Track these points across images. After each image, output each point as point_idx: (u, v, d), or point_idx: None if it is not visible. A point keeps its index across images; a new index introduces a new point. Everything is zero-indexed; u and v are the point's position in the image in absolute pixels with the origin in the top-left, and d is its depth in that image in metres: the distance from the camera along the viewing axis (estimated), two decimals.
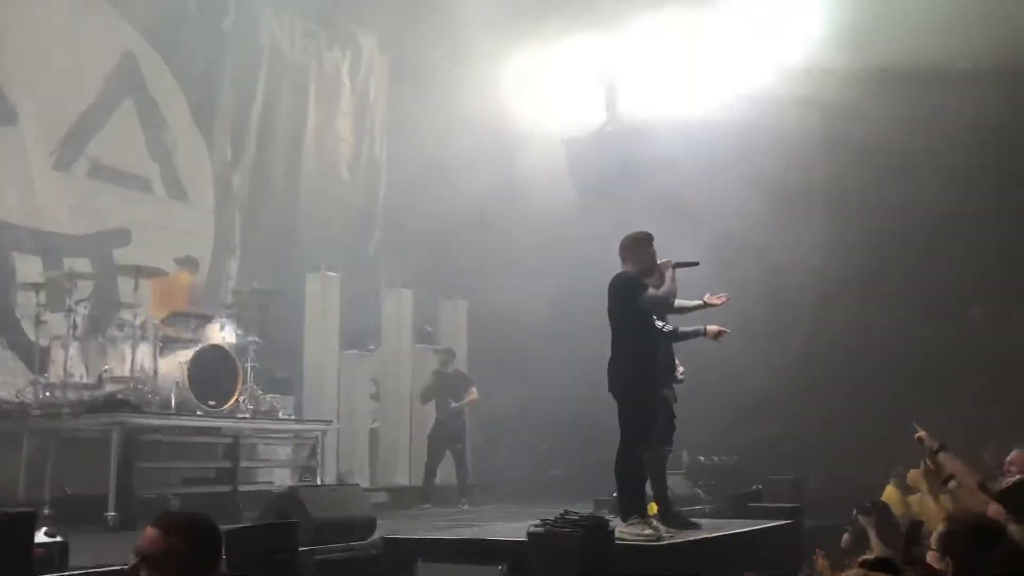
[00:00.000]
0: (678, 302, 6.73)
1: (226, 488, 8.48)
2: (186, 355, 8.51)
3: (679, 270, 6.45)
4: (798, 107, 11.50)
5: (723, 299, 6.82)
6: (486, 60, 13.74)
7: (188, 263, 9.87)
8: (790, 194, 11.45)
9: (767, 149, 11.33)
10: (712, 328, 7.01)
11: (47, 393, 8.18)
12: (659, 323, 7.08)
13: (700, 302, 6.90)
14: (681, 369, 7.29)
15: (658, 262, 6.46)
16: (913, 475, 8.50)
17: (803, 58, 11.53)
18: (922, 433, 5.44)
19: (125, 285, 8.91)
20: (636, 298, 6.17)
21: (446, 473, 11.29)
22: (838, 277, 11.23)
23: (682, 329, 7.09)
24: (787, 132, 11.42)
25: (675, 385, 7.00)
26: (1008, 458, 5.77)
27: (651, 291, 6.20)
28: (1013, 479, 5.06)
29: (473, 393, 11.07)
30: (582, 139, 13.91)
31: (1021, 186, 10.20)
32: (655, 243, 6.50)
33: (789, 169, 11.44)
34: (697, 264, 7.11)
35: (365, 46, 14.21)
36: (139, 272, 8.54)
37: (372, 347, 12.55)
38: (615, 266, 6.51)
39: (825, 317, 11.25)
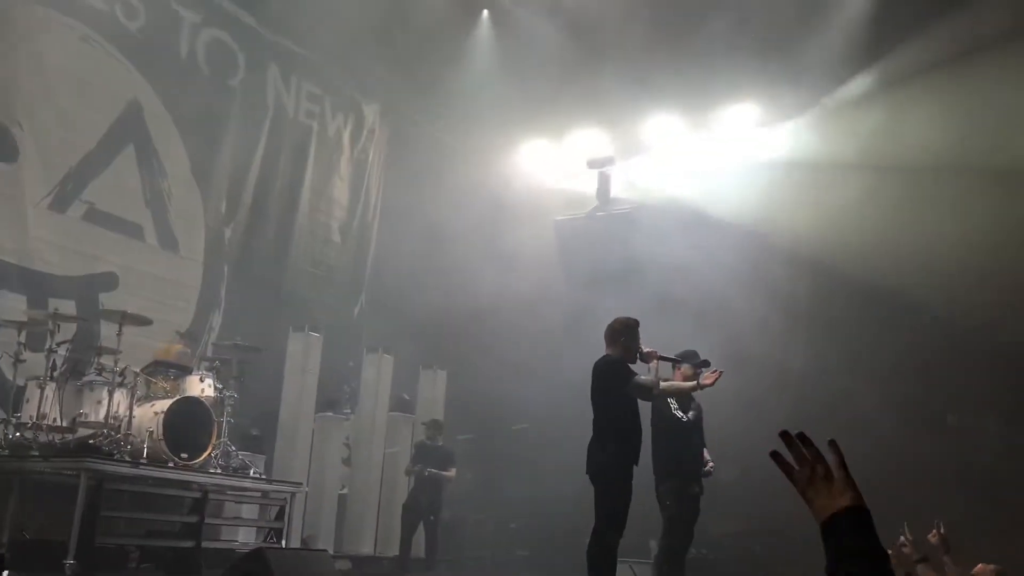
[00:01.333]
0: (673, 385, 6.84)
1: (189, 544, 8.32)
2: (163, 405, 8.44)
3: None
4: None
5: (716, 376, 6.90)
6: (484, 136, 14.03)
7: (190, 337, 9.95)
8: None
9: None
10: (707, 379, 7.01)
11: (18, 433, 8.08)
12: (679, 413, 7.18)
13: (694, 383, 6.97)
14: (711, 464, 7.37)
15: (644, 350, 6.55)
16: None
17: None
18: (906, 541, 5.44)
19: (108, 330, 8.87)
20: (622, 383, 6.23)
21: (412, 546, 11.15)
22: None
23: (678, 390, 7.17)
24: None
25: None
26: (973, 570, 5.78)
27: (638, 377, 6.27)
28: None
29: (452, 471, 11.05)
30: (574, 222, 14.11)
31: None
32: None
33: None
34: (680, 362, 7.24)
35: (368, 115, 14.48)
36: (124, 318, 8.52)
37: (348, 411, 12.48)
38: (598, 349, 6.59)
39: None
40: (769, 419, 10.88)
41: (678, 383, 7.04)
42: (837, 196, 11.14)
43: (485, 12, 13.91)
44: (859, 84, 11.34)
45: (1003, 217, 9.84)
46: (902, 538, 5.02)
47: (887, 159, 10.84)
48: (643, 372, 6.52)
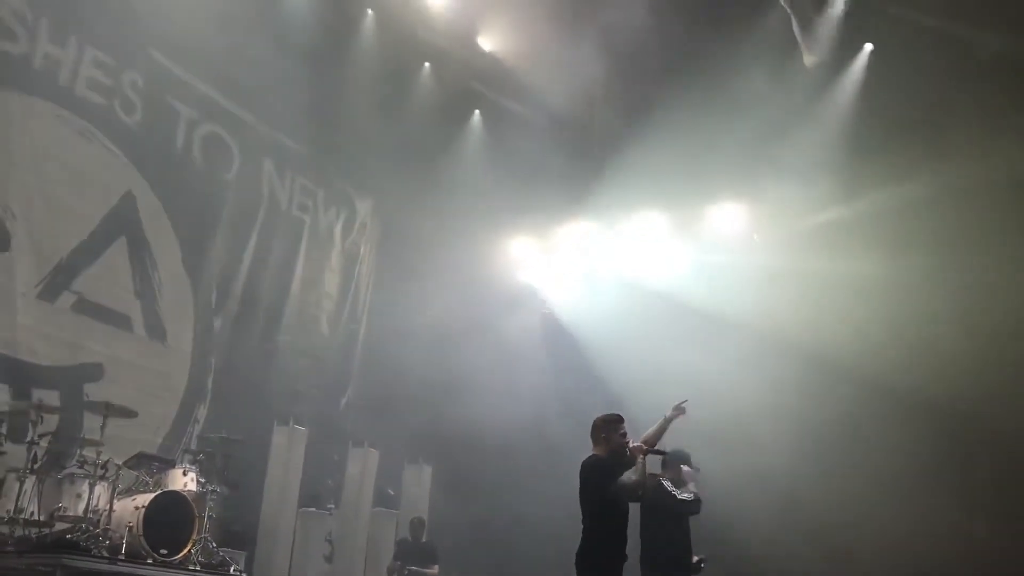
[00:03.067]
0: (646, 434, 6.84)
1: None
2: (144, 499, 8.28)
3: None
4: None
5: (683, 404, 7.03)
6: (474, 232, 14.21)
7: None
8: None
9: None
10: (674, 411, 7.07)
11: None
12: (684, 495, 7.11)
13: (663, 420, 7.01)
14: (696, 558, 7.28)
15: (630, 446, 6.48)
16: None
17: None
18: None
19: (92, 421, 8.77)
20: (605, 485, 6.11)
21: None
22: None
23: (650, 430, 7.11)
24: None
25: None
26: None
27: (623, 478, 6.16)
28: None
29: (435, 569, 10.83)
30: (559, 315, 14.21)
31: None
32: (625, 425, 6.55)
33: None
34: (666, 454, 7.20)
35: (360, 209, 14.66)
36: (108, 409, 8.44)
37: (331, 506, 12.28)
38: (588, 446, 6.54)
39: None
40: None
41: (651, 430, 7.05)
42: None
43: (476, 112, 14.26)
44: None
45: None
46: None
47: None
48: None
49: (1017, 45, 10.14)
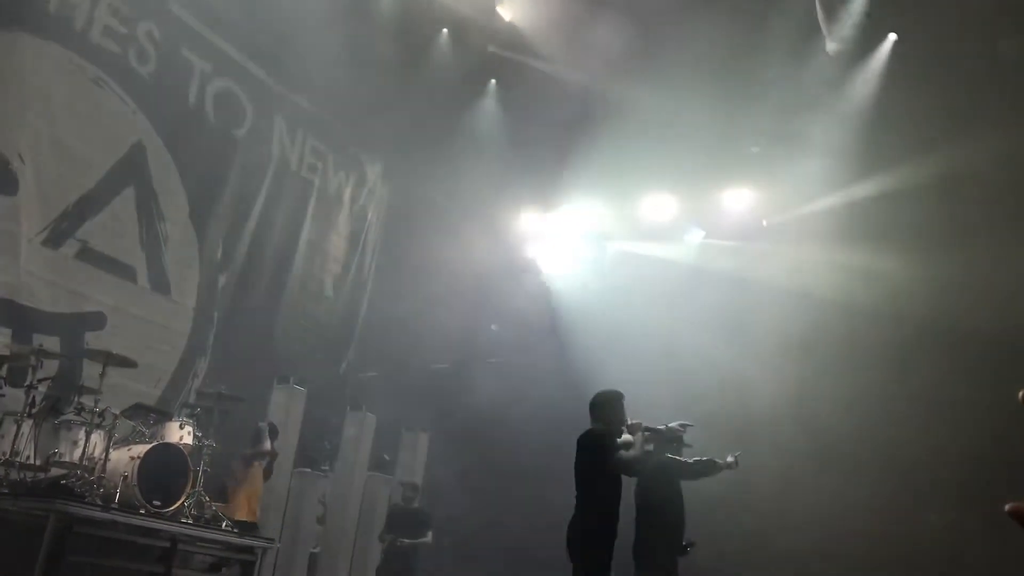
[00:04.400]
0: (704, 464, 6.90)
1: None
2: (140, 450, 8.28)
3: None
4: None
5: (736, 458, 7.25)
6: (484, 202, 14.15)
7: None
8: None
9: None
10: (725, 464, 7.25)
11: None
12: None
13: (729, 461, 7.07)
14: (685, 541, 7.28)
15: (629, 422, 6.45)
16: None
17: None
18: None
19: (92, 370, 8.76)
20: (606, 458, 6.09)
21: None
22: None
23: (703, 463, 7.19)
24: None
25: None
26: None
27: (622, 453, 6.12)
28: None
29: (428, 535, 10.82)
30: (570, 291, 14.15)
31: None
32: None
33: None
34: (667, 428, 7.17)
35: (370, 173, 14.60)
36: (108, 359, 8.42)
37: (326, 468, 12.31)
38: (586, 420, 6.50)
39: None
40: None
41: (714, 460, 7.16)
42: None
43: (492, 81, 14.14)
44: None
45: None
46: None
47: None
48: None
49: None
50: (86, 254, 10.30)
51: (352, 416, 12.49)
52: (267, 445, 10.15)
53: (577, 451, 6.26)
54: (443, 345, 12.99)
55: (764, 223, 12.77)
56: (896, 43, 11.30)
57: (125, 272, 10.79)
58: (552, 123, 13.14)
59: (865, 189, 11.16)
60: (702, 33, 11.44)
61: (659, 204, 13.50)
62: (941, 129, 10.26)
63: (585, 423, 6.45)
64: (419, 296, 13.27)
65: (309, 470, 11.87)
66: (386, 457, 12.92)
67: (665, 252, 13.41)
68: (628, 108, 12.71)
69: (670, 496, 7.28)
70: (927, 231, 10.55)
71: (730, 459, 7.31)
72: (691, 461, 7.34)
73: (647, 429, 6.42)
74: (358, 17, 12.49)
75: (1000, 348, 9.41)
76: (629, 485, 6.73)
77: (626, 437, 6.21)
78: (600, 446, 6.13)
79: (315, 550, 11.83)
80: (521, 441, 11.90)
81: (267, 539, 9.70)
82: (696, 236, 13.36)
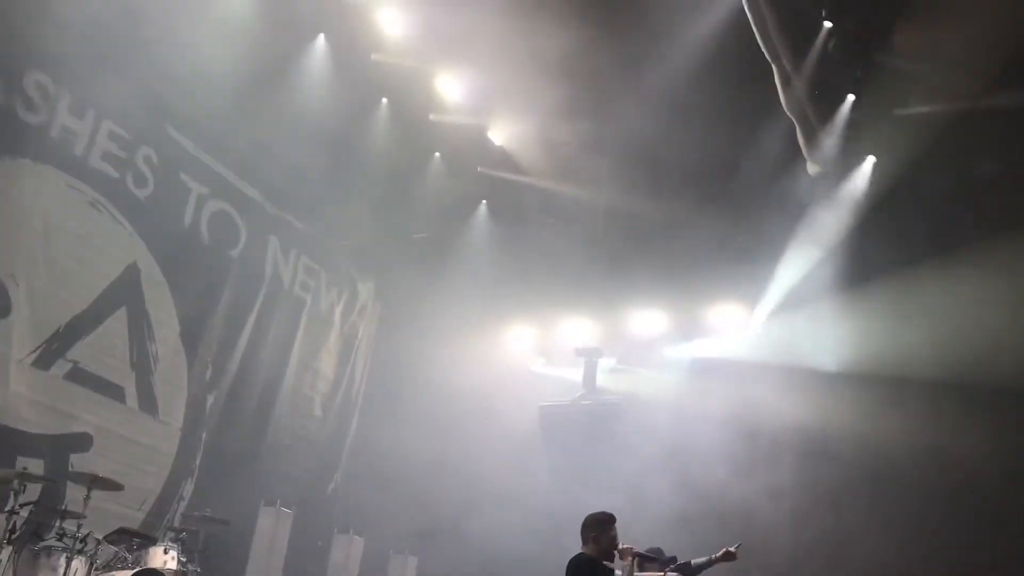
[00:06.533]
0: (694, 562, 6.78)
1: None
2: None
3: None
4: None
5: (736, 549, 7.07)
6: (475, 320, 14.23)
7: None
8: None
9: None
10: (723, 555, 7.14)
11: None
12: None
13: (709, 558, 6.97)
14: None
15: (619, 547, 6.36)
16: None
17: None
18: None
19: (76, 492, 8.61)
20: None
21: None
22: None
23: (694, 562, 7.07)
24: None
25: None
26: None
27: None
28: None
29: None
30: (559, 408, 14.09)
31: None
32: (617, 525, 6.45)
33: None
34: (659, 552, 7.07)
35: (362, 292, 14.72)
36: (93, 481, 8.30)
37: None
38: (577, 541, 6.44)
39: None
40: None
41: (695, 561, 7.02)
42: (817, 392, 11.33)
43: (484, 203, 14.45)
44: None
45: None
46: None
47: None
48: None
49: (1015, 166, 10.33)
50: (76, 374, 10.25)
51: (339, 539, 12.24)
52: None
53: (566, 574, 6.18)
54: (433, 469, 12.82)
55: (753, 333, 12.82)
56: (875, 165, 11.66)
57: (114, 392, 10.72)
58: (543, 242, 13.39)
59: None
60: (688, 155, 11.82)
61: (650, 320, 13.62)
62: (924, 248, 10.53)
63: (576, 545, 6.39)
64: (409, 416, 13.18)
65: None
66: None
67: (656, 369, 13.44)
68: (614, 229, 13.03)
69: None
70: None
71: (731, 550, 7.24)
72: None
73: (637, 555, 6.31)
74: (353, 142, 12.85)
75: None
76: None
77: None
78: (588, 571, 6.07)
79: None
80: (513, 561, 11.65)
81: None
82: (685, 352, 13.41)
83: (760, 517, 11.15)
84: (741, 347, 12.56)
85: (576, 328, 14.20)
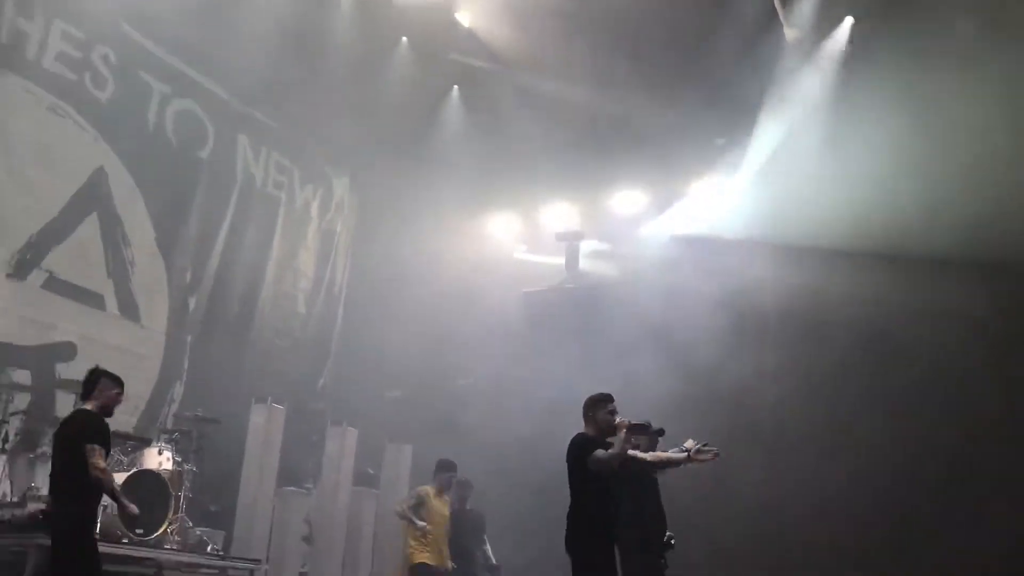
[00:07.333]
0: (658, 455, 6.78)
1: None
2: (118, 478, 8.12)
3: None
4: None
5: (711, 457, 6.77)
6: (454, 208, 14.09)
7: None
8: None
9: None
10: (697, 454, 6.79)
11: None
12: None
13: (684, 455, 6.82)
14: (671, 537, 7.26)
15: (615, 422, 6.46)
16: None
17: None
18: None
19: (65, 401, 8.62)
20: (583, 459, 6.18)
21: None
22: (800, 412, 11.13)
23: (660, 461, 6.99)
24: None
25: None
26: None
27: (598, 452, 6.17)
28: None
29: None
30: (542, 292, 14.11)
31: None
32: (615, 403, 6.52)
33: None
34: (648, 425, 7.15)
35: (337, 186, 14.52)
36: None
37: (310, 486, 12.16)
38: (575, 422, 6.53)
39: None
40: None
41: (666, 455, 6.95)
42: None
43: (455, 88, 14.09)
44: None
45: None
46: None
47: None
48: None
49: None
50: (53, 283, 10.14)
51: (333, 431, 12.36)
52: None
53: (567, 454, 6.34)
54: (421, 357, 12.87)
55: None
56: (853, 27, 11.39)
57: (93, 300, 10.63)
58: (517, 126, 13.13)
59: None
60: (662, 28, 11.51)
61: (630, 200, 13.52)
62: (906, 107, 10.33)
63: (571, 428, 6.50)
64: (393, 308, 13.18)
65: (293, 489, 11.72)
66: (370, 471, 12.78)
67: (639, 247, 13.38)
68: (591, 110, 12.78)
69: (640, 491, 7.24)
70: None
71: (689, 444, 6.98)
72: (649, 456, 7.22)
73: (632, 426, 6.40)
74: (316, 29, 12.41)
75: None
76: None
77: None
78: (585, 448, 6.23)
79: (303, 570, 11.68)
80: (512, 443, 11.81)
81: (254, 560, 9.58)
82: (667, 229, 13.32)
83: (751, 398, 11.24)
84: (724, 220, 12.45)
85: (557, 212, 14.07)
